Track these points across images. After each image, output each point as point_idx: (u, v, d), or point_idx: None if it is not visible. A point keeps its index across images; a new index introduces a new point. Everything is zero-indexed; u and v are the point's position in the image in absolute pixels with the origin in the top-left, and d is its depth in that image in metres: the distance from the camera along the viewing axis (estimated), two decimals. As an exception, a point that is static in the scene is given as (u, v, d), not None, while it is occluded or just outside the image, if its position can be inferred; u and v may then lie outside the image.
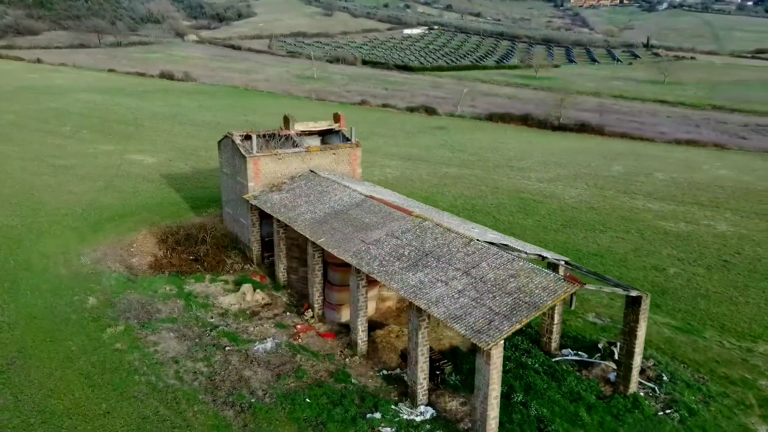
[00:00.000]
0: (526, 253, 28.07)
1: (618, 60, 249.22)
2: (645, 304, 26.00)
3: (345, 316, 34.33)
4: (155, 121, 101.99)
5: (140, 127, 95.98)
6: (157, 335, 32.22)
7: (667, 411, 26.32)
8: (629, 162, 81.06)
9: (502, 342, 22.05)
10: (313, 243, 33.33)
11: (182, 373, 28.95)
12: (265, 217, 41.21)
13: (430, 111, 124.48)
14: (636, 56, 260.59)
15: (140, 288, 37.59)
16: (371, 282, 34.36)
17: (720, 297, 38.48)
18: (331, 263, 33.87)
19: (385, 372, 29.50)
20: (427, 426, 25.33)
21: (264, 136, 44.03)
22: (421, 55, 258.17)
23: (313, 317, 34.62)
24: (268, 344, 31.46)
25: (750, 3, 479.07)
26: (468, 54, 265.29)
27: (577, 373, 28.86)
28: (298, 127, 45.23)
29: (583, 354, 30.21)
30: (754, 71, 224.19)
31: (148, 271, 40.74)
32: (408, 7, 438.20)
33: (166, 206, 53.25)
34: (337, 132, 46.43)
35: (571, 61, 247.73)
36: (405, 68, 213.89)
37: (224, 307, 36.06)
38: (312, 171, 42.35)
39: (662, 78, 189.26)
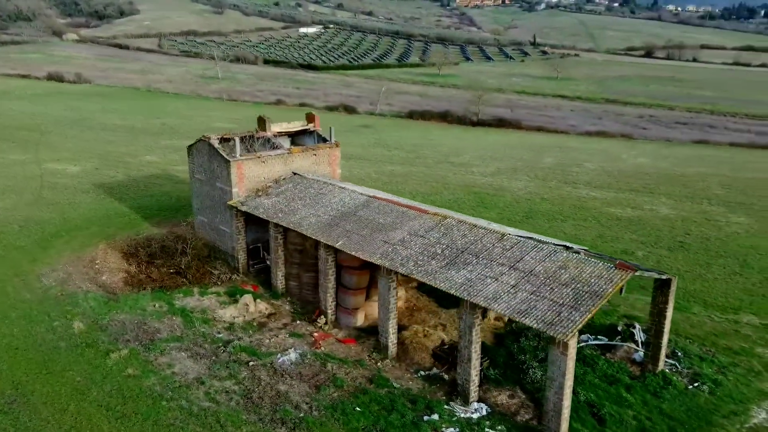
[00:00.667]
0: (553, 244, 28.86)
1: (511, 57, 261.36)
2: (673, 286, 27.61)
3: (360, 319, 33.64)
4: (60, 126, 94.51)
5: (46, 133, 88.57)
6: (167, 356, 29.92)
7: (695, 384, 28.15)
8: (556, 154, 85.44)
9: (577, 333, 22.59)
10: (327, 247, 32.33)
11: (213, 393, 27.10)
12: (249, 224, 39.44)
13: (350, 110, 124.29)
14: (526, 54, 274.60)
15: (126, 307, 34.71)
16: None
17: (691, 275, 41.58)
18: (346, 266, 33.01)
19: (422, 373, 29.23)
20: (487, 422, 25.43)
21: (241, 139, 41.99)
22: (321, 54, 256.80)
23: (326, 323, 33.59)
24: (292, 355, 30.15)
25: (616, 4, 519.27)
26: (368, 53, 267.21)
27: (603, 357, 30.11)
28: (275, 128, 43.59)
29: (603, 338, 31.54)
30: (630, 67, 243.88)
31: (126, 288, 37.73)
32: (299, 5, 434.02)
33: (115, 218, 49.62)
34: (311, 132, 45.24)
35: (467, 59, 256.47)
36: (310, 67, 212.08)
37: (226, 320, 34.13)
38: (295, 173, 41.02)
39: (555, 74, 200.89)
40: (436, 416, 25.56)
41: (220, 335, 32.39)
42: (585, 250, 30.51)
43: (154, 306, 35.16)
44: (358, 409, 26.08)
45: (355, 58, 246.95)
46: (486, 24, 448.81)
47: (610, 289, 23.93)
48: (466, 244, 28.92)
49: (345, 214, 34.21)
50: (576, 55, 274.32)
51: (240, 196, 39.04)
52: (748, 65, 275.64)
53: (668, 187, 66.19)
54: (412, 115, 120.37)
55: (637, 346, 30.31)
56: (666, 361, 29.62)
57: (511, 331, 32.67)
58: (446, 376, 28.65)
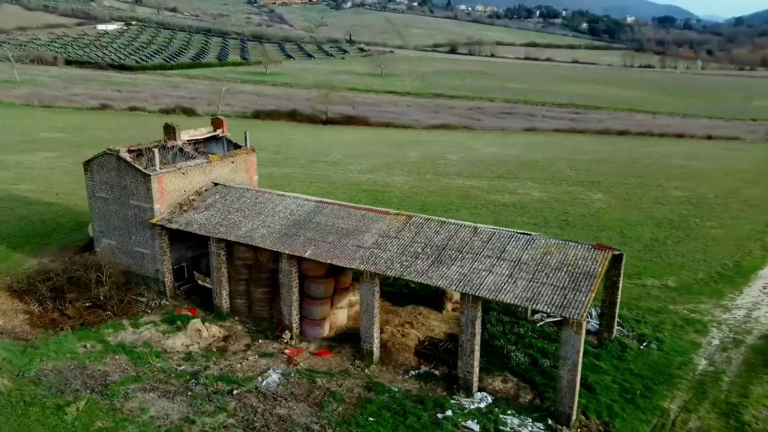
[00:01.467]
0: (516, 232, 30.64)
1: (331, 55, 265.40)
2: (624, 260, 30.92)
3: (326, 329, 32.67)
4: None
5: None
6: (135, 400, 26.54)
7: (644, 345, 31.85)
8: (417, 148, 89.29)
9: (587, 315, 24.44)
10: (290, 257, 30.85)
11: (211, 431, 24.69)
12: (172, 243, 36.13)
13: (189, 112, 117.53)
14: (345, 51, 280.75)
15: (50, 353, 30.01)
16: (343, 289, 33.47)
17: (589, 249, 46.50)
18: (311, 276, 31.75)
19: (412, 373, 29.31)
20: (496, 409, 26.40)
21: (149, 150, 38.09)
22: (129, 53, 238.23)
23: (292, 338, 32.07)
24: (274, 376, 28.47)
25: (416, 3, 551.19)
26: (182, 51, 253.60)
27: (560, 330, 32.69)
28: (185, 136, 40.17)
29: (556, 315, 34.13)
30: (442, 63, 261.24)
31: (37, 331, 32.55)
32: (92, 0, 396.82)
33: (-33, 250, 42.27)
34: (220, 139, 42.48)
35: (288, 56, 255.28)
36: (122, 68, 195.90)
37: (179, 350, 31.06)
38: (216, 183, 38.33)
39: (379, 71, 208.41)
40: (449, 412, 25.93)
41: (182, 367, 29.40)
42: (541, 235, 32.84)
43: (86, 347, 30.85)
44: (371, 419, 25.53)
45: (170, 57, 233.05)
46: (296, 21, 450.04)
47: (600, 269, 26.22)
48: (444, 241, 29.56)
49: (299, 222, 32.86)
50: (391, 51, 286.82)
51: (163, 213, 35.51)
52: (537, 59, 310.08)
53: (528, 172, 72.78)
54: (258, 115, 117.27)
55: (589, 317, 33.35)
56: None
57: (473, 320, 34.03)
58: (437, 372, 29.12)
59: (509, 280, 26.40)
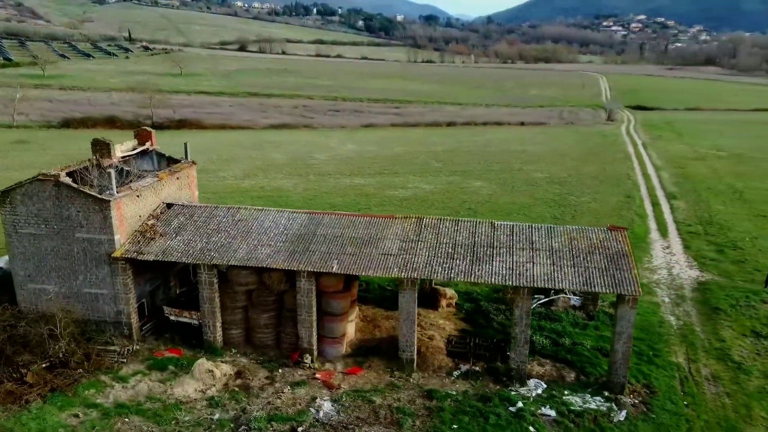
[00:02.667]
0: (529, 225, 32.10)
1: (113, 54, 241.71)
2: (606, 238, 34.12)
3: (344, 346, 30.92)
4: None
5: None
6: (194, 463, 22.69)
7: (621, 311, 35.55)
8: (275, 149, 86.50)
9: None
10: (309, 276, 28.57)
11: (307, 477, 22.20)
12: (136, 276, 31.14)
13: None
14: (127, 50, 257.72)
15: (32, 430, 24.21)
16: (353, 302, 32.09)
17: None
18: (331, 292, 29.67)
19: (456, 374, 29.17)
20: (553, 392, 27.63)
21: (85, 171, 32.07)
22: None
23: (312, 361, 29.76)
24: (327, 404, 26.37)
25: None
26: None
27: (552, 310, 35.14)
28: (117, 152, 34.44)
29: (541, 296, 36.37)
30: (243, 61, 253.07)
31: (-9, 409, 25.83)
32: None
33: None
34: (148, 152, 37.25)
35: (62, 56, 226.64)
36: None
37: (195, 397, 27.04)
38: (169, 204, 33.71)
39: (178, 70, 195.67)
40: (519, 404, 26.51)
41: (216, 416, 25.69)
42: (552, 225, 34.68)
43: (77, 416, 25.39)
44: (455, 427, 25.10)
45: None
46: (53, 17, 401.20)
47: (627, 247, 28.76)
48: (469, 239, 29.80)
49: (302, 237, 30.42)
50: (180, 50, 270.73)
51: (124, 244, 30.28)
52: (328, 56, 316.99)
53: (401, 167, 75.11)
54: (69, 123, 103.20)
55: (572, 294, 36.24)
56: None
57: (472, 312, 34.94)
58: (478, 368, 29.42)
59: (555, 268, 27.71)
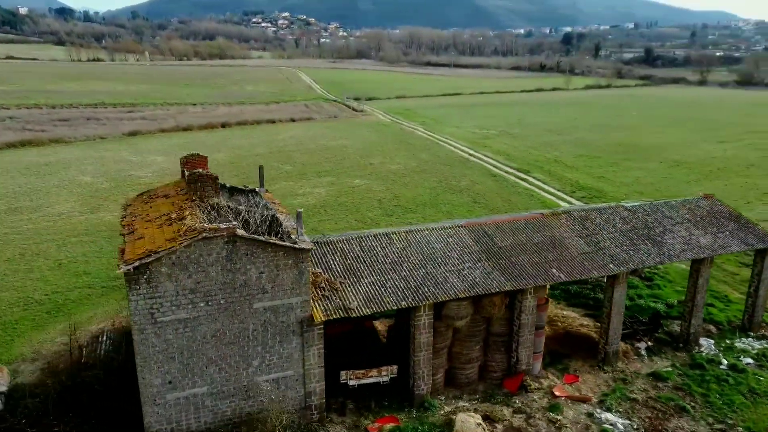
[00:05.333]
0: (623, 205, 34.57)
1: None
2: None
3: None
4: None
5: None
6: None
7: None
8: (70, 170, 69.54)
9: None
10: (535, 291, 26.34)
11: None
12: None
13: None
14: None
15: None
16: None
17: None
18: (539, 305, 27.55)
19: (643, 353, 30.36)
20: (721, 345, 31.24)
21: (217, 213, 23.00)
22: None
23: (530, 383, 27.49)
24: (607, 416, 25.27)
25: None
26: None
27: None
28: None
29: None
30: None
31: None
32: None
33: None
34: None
35: None
36: None
37: (491, 458, 22.87)
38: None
39: None
40: (724, 360, 29.45)
41: (545, 467, 22.32)
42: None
43: None
44: (718, 396, 26.81)
45: None
46: None
47: (731, 210, 33.68)
48: (614, 225, 30.96)
49: (490, 251, 27.40)
50: None
51: (315, 303, 23.12)
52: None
53: (291, 169, 68.39)
54: None
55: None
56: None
57: (568, 296, 36.18)
58: (651, 343, 31.20)
59: (709, 237, 31.09)
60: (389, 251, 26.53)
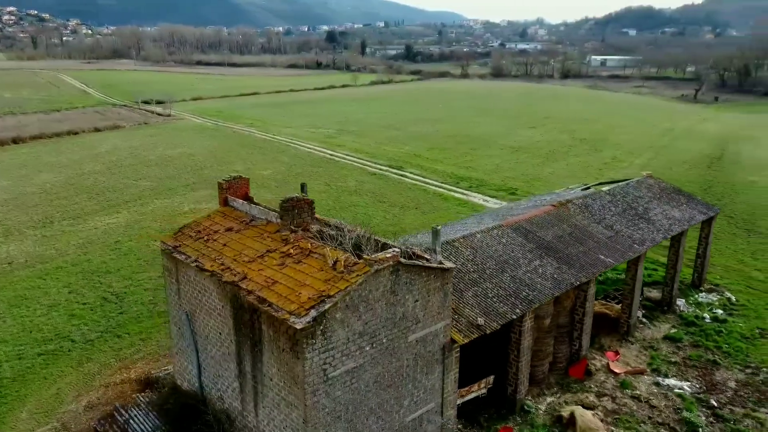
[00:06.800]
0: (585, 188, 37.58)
1: None
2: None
3: (575, 342, 30.62)
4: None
5: None
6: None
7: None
8: None
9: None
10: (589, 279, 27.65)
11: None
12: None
13: None
14: None
15: None
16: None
17: (388, 217, 51.16)
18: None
19: (641, 317, 33.68)
20: (690, 300, 36.01)
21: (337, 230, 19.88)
22: None
23: (589, 365, 28.79)
24: (681, 383, 27.69)
25: None
26: None
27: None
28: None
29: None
30: None
31: None
32: None
33: None
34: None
35: None
36: None
37: (620, 445, 23.71)
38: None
39: None
40: (707, 315, 34.08)
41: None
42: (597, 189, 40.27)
43: None
44: (719, 340, 31.11)
45: None
46: None
47: (671, 185, 38.63)
48: (611, 210, 33.89)
49: (547, 244, 27.96)
50: None
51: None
52: None
53: (126, 192, 59.80)
54: None
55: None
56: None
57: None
58: (643, 311, 34.72)
59: (669, 212, 35.44)
60: (465, 259, 25.56)
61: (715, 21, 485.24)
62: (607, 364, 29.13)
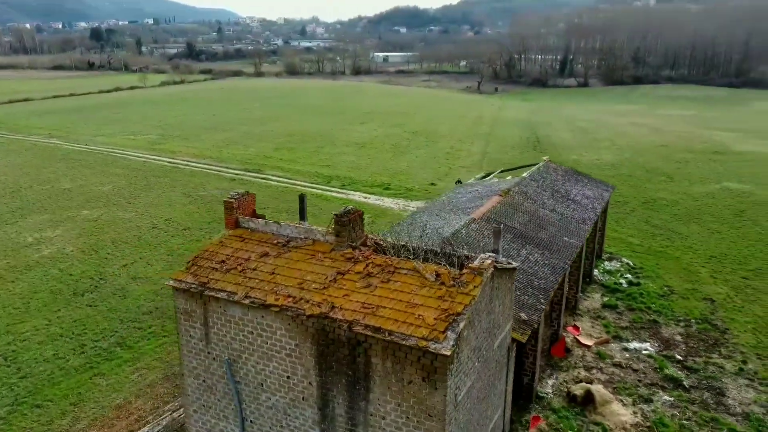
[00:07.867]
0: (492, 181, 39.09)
1: None
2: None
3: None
4: None
5: None
6: None
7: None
8: None
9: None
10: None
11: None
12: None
13: None
14: None
15: None
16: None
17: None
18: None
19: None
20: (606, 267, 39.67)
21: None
22: None
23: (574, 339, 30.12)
24: (644, 345, 30.23)
25: None
26: None
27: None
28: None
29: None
30: None
31: None
32: None
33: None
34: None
35: None
36: None
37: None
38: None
39: None
40: (623, 282, 37.77)
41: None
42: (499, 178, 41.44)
43: None
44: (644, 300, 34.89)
45: None
46: None
47: (569, 168, 41.82)
48: (542, 191, 35.76)
49: (518, 235, 28.48)
50: None
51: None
52: None
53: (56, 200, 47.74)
54: None
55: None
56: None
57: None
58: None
59: (586, 192, 38.55)
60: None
61: (471, 20, 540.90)
62: (575, 338, 30.78)
